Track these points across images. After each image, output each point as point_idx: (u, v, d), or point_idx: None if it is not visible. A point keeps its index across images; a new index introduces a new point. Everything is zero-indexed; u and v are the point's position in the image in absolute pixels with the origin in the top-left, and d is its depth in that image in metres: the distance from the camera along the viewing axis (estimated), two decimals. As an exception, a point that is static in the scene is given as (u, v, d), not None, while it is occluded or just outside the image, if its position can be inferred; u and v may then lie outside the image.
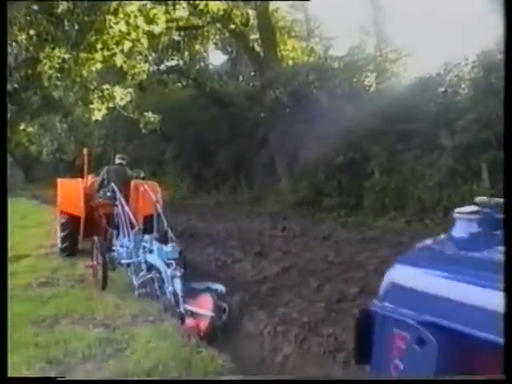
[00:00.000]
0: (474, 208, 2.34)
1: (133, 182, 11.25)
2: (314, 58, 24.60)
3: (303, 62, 23.87)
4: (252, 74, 26.61)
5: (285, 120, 18.07)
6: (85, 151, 13.45)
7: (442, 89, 14.50)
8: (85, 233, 11.49)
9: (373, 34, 25.67)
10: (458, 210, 2.33)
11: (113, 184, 10.59)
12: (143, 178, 11.35)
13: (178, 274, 7.25)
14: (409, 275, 2.22)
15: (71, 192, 11.95)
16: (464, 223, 2.33)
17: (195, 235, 13.75)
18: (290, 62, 23.63)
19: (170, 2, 15.43)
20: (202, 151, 23.60)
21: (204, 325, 6.62)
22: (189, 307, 6.91)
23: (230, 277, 9.36)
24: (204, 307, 6.80)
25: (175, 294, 7.19)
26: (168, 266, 7.52)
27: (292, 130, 17.53)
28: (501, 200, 2.26)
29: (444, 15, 27.67)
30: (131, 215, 9.39)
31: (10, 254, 11.81)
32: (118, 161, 11.91)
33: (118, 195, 10.11)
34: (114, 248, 9.69)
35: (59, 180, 12.56)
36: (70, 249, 11.69)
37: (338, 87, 18.23)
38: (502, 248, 1.84)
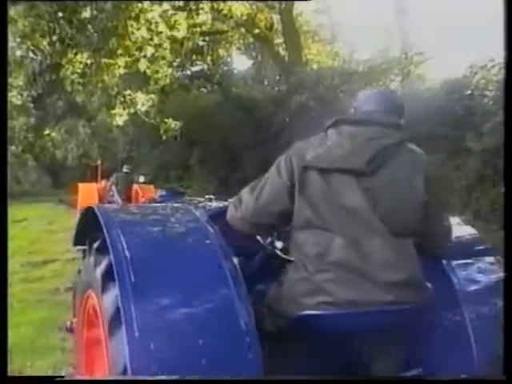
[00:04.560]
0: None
1: (134, 186, 14.37)
2: (338, 62, 24.52)
3: (328, 65, 23.78)
4: (277, 78, 26.59)
5: (310, 124, 17.92)
6: (98, 162, 16.72)
7: (469, 91, 14.26)
8: None
9: (397, 37, 25.47)
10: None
11: (113, 186, 13.75)
12: (144, 183, 15.00)
13: None
14: None
15: (88, 193, 14.95)
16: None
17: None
18: (315, 66, 23.49)
19: (193, 7, 15.45)
20: (227, 156, 23.62)
21: None
22: None
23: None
24: None
25: None
26: None
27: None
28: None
29: (469, 17, 27.46)
30: None
31: (37, 258, 12.02)
32: (125, 170, 14.80)
33: (116, 194, 13.27)
34: None
35: (79, 184, 15.75)
36: None
37: (363, 91, 18.04)
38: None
